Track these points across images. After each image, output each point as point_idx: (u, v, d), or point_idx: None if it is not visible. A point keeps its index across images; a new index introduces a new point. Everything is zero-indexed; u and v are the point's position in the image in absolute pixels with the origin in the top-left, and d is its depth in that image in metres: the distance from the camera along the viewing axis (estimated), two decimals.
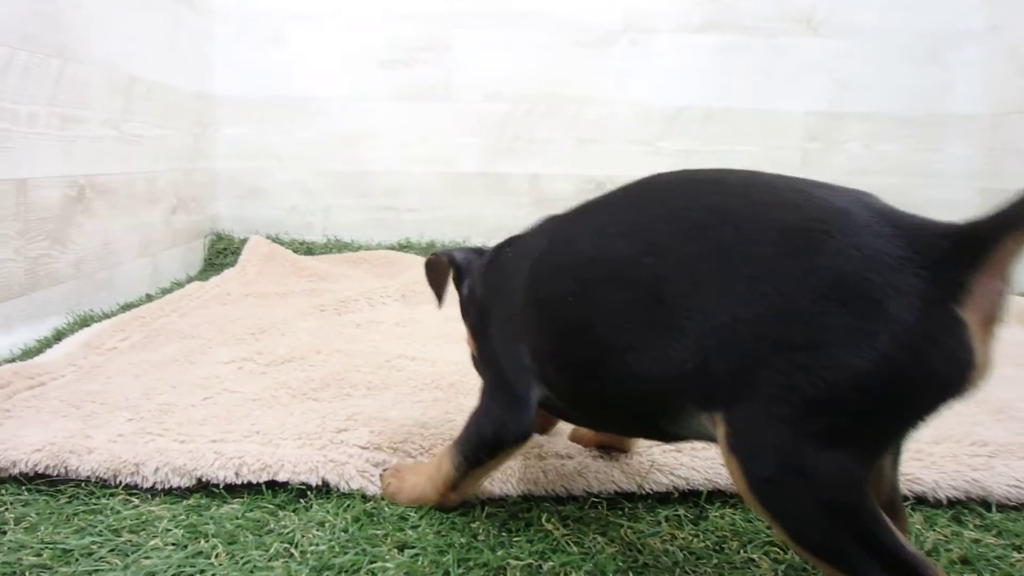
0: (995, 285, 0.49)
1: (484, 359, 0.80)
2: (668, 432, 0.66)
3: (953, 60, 2.25)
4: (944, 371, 0.49)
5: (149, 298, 1.76)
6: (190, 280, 1.99)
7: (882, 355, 0.49)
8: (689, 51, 2.26)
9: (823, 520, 0.52)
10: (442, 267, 0.87)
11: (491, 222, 2.27)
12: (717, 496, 0.85)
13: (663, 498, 0.85)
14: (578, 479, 0.85)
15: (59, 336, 1.38)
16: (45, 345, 1.33)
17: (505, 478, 0.85)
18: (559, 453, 0.90)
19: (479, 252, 0.88)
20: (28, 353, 1.29)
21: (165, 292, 1.84)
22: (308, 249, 2.20)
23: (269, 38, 2.20)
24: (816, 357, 0.51)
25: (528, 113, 2.28)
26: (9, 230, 1.29)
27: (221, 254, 2.17)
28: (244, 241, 2.17)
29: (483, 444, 0.75)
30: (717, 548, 0.75)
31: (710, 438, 0.60)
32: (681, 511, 0.82)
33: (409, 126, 2.25)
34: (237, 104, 2.22)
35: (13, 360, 1.24)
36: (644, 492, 0.84)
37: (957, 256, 0.49)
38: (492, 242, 0.89)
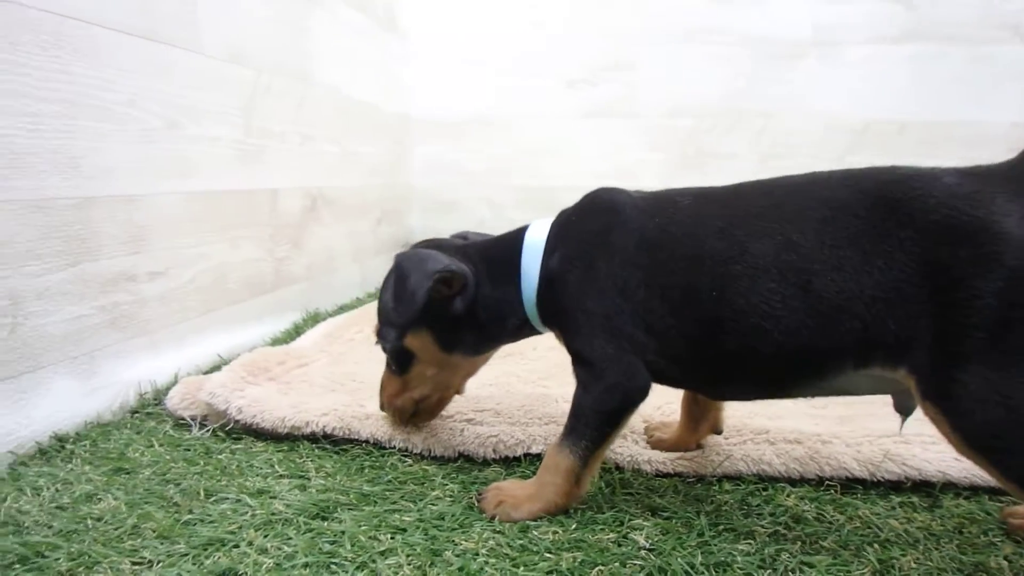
0: None
1: (583, 336, 0.77)
2: (804, 390, 0.73)
3: None
4: None
5: (359, 300, 1.93)
6: None
7: (1012, 268, 0.58)
8: (882, 62, 2.18)
9: None
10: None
11: None
12: (950, 488, 0.86)
13: (895, 486, 0.87)
14: (810, 463, 0.88)
15: (298, 330, 1.54)
16: (289, 336, 1.49)
17: (740, 456, 0.89)
18: (787, 439, 0.92)
19: (457, 244, 0.89)
20: (277, 341, 1.45)
21: (370, 296, 2.00)
22: None
23: (461, 59, 2.35)
24: (961, 291, 0.59)
25: (712, 129, 2.28)
26: (263, 233, 1.46)
27: None
28: None
29: (607, 415, 0.75)
30: (957, 531, 0.78)
31: (847, 392, 0.71)
32: (915, 499, 0.85)
33: (593, 143, 2.32)
34: (431, 123, 2.39)
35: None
36: (876, 480, 0.87)
37: None
38: None
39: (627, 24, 2.26)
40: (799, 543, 0.74)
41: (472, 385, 1.13)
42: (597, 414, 0.76)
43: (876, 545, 0.74)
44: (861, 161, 2.23)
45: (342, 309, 1.81)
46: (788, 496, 0.85)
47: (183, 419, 1.02)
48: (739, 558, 0.71)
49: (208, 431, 0.99)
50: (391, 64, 2.20)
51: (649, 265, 0.75)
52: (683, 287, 0.73)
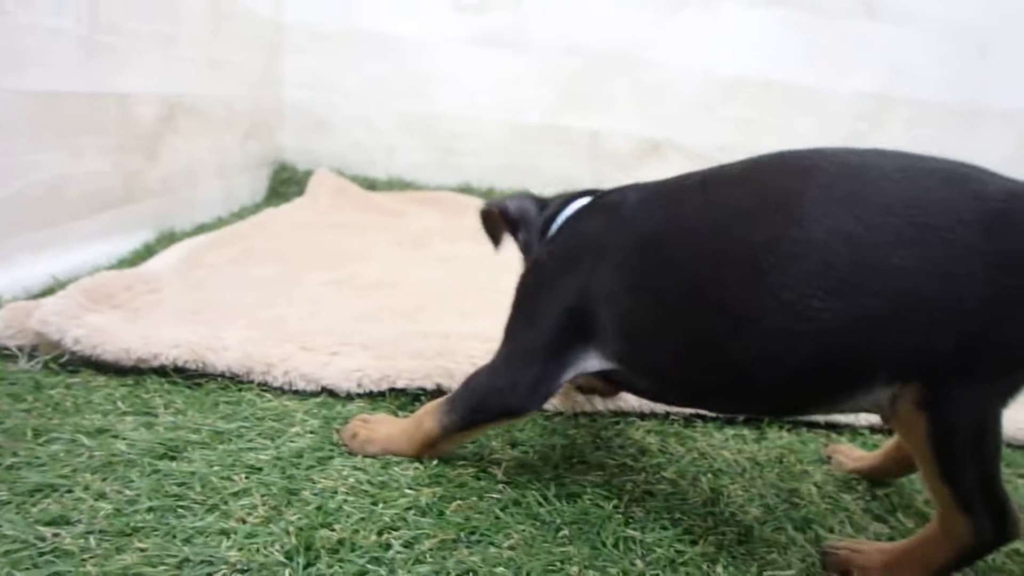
0: None
1: (521, 318, 0.75)
2: (820, 408, 0.69)
3: (998, 56, 2.27)
4: None
5: (221, 220, 1.80)
6: (257, 207, 2.02)
7: None
8: (755, 23, 2.26)
9: (972, 459, 0.59)
10: (494, 217, 0.89)
11: (550, 173, 2.28)
12: (776, 422, 0.98)
13: (729, 420, 0.97)
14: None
15: (149, 250, 1.42)
16: (139, 256, 1.37)
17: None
18: None
19: (537, 201, 0.88)
20: (125, 263, 1.33)
21: (235, 216, 1.87)
22: (371, 185, 2.23)
23: None
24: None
25: (598, 70, 2.27)
26: (110, 143, 1.32)
27: (285, 183, 2.20)
28: (307, 173, 2.20)
29: (486, 409, 0.73)
30: (778, 461, 0.88)
31: (857, 410, 0.64)
32: (745, 432, 0.95)
33: (480, 72, 2.25)
34: (308, 33, 2.21)
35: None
36: (715, 416, 0.96)
37: None
38: (549, 192, 0.93)
39: None
40: (643, 473, 0.81)
41: (342, 317, 1.10)
42: (479, 400, 0.73)
43: (709, 474, 0.83)
44: (730, 114, 2.37)
45: (201, 228, 1.68)
46: (637, 430, 0.91)
47: (7, 349, 0.91)
48: (588, 488, 0.76)
49: (38, 363, 0.89)
50: None
51: (647, 265, 0.67)
52: (691, 285, 0.64)
